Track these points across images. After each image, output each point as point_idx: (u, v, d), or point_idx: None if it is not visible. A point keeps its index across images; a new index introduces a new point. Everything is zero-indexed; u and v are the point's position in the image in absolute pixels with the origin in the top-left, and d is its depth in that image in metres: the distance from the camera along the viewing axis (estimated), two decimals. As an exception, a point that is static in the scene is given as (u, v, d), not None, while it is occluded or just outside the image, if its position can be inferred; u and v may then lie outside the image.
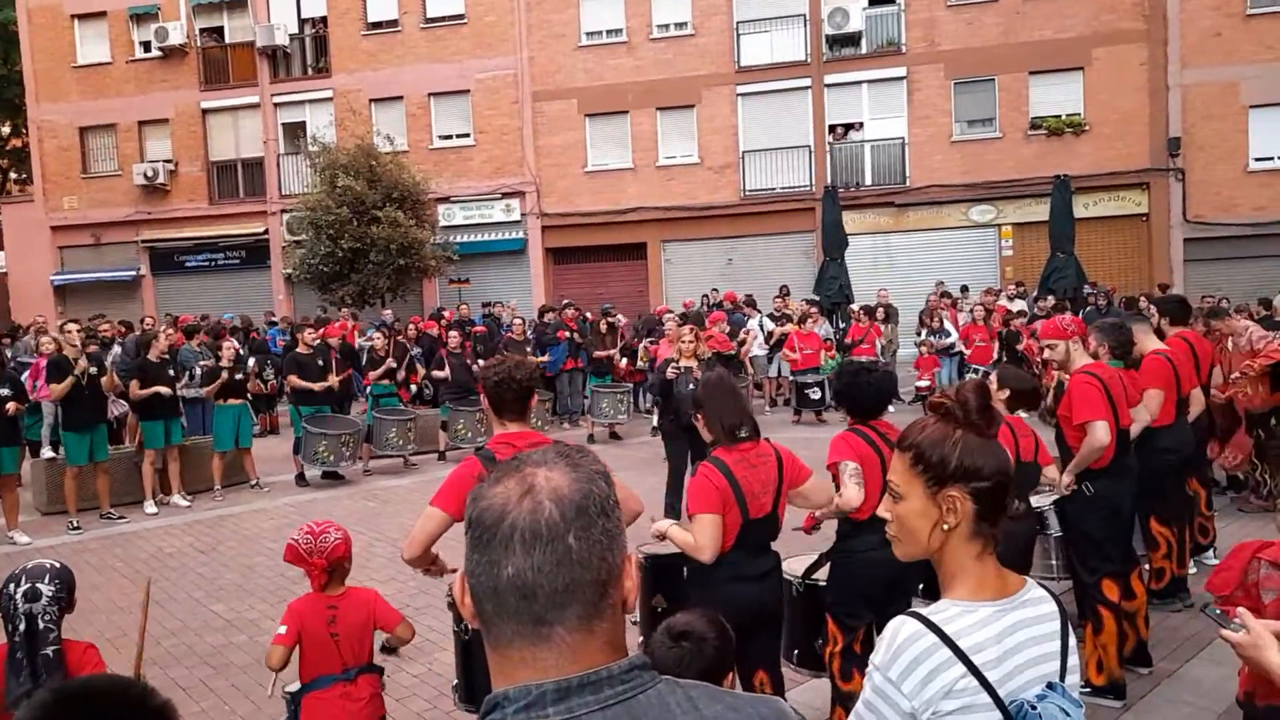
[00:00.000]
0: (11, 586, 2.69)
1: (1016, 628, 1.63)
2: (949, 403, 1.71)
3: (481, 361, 12.39)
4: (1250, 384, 7.47)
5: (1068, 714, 1.57)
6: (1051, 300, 13.56)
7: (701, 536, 3.30)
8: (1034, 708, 1.57)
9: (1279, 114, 19.09)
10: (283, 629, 3.22)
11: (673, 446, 8.21)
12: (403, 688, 5.12)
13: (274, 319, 18.87)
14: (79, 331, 9.30)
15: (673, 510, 7.27)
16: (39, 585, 2.68)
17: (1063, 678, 1.65)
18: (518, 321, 13.89)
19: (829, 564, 4.01)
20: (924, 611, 1.65)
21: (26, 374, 10.09)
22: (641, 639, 3.37)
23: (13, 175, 32.50)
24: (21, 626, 2.64)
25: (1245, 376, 7.47)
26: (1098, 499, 4.62)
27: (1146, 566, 5.48)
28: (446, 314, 17.54)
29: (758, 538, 3.46)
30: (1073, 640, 1.70)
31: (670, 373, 7.80)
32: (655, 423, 12.55)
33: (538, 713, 0.94)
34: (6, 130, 31.76)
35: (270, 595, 6.68)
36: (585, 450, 1.07)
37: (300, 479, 10.74)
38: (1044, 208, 17.31)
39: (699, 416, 3.59)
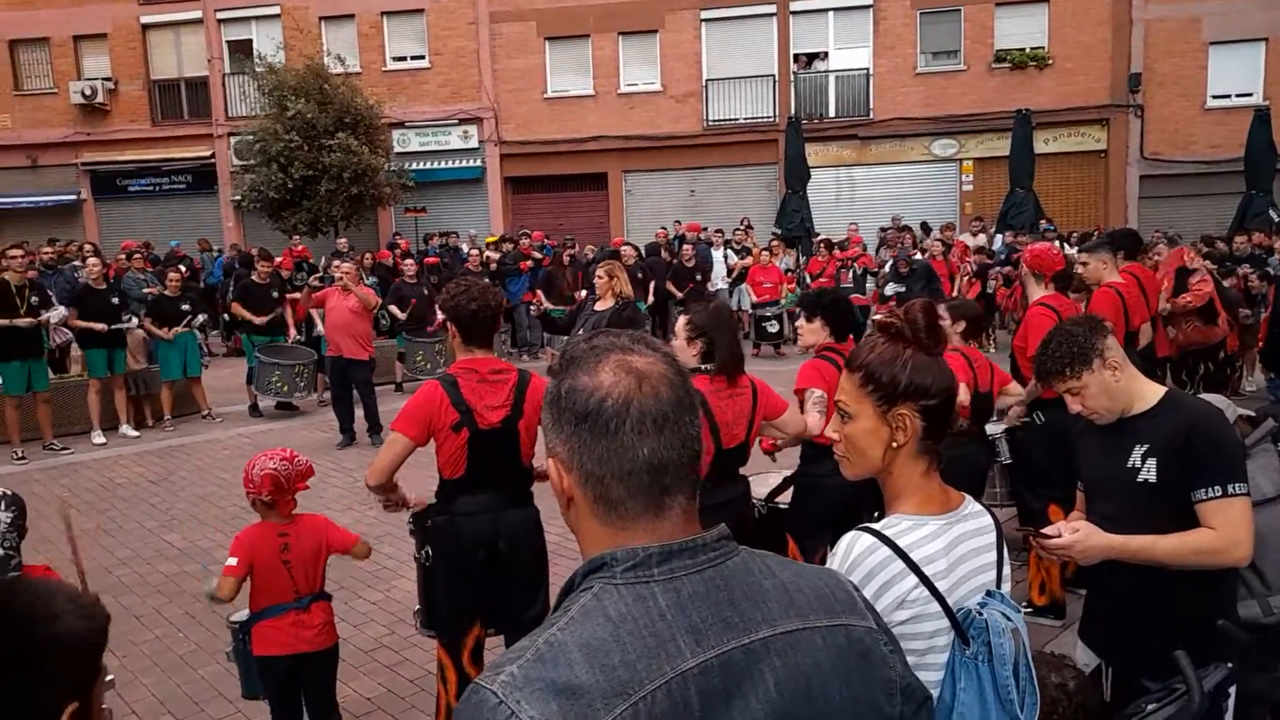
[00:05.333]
0: None
1: (961, 540, 1.70)
2: (897, 322, 1.72)
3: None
4: (1177, 321, 7.68)
5: (1009, 618, 1.64)
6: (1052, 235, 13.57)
7: None
8: (979, 614, 1.64)
9: (1238, 51, 19.20)
10: (232, 560, 3.15)
11: None
12: (360, 614, 5.13)
13: (210, 247, 18.25)
14: (23, 258, 8.95)
15: None
16: None
17: (999, 585, 1.72)
18: (474, 252, 13.65)
19: (792, 487, 4.06)
20: (876, 526, 1.68)
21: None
22: None
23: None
24: None
25: (1174, 313, 7.65)
26: (1047, 427, 4.74)
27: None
28: (401, 243, 17.20)
29: (729, 466, 3.48)
30: (1006, 550, 1.76)
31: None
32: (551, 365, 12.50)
33: (644, 572, 1.02)
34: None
35: (225, 525, 6.61)
36: (645, 336, 1.14)
37: (254, 409, 10.58)
38: (1005, 143, 17.32)
39: (695, 343, 3.50)
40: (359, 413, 9.10)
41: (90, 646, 1.12)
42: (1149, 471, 2.33)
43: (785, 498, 4.09)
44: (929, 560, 1.63)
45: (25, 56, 23.20)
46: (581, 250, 15.26)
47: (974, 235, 13.93)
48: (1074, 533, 2.32)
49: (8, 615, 1.08)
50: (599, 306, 6.41)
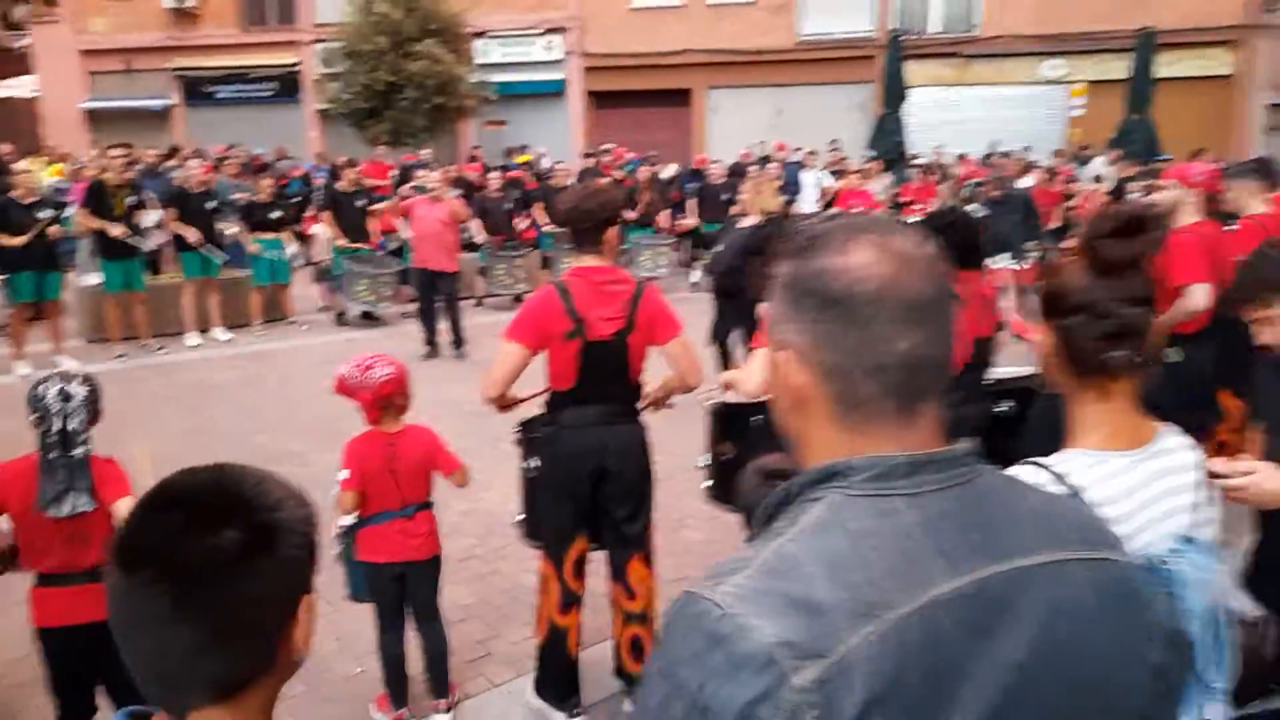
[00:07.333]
0: (42, 389, 2.67)
1: (1151, 479, 1.54)
2: (1080, 228, 1.65)
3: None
4: None
5: (1201, 569, 1.50)
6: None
7: (750, 368, 3.18)
8: (1164, 563, 1.48)
9: (1396, -34, 17.45)
10: (345, 473, 3.13)
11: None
12: (448, 524, 5.09)
13: (287, 155, 18.17)
14: (123, 158, 9.08)
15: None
16: (69, 388, 2.68)
17: (1194, 530, 1.57)
18: (562, 166, 13.40)
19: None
20: (1045, 461, 1.53)
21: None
22: (708, 483, 3.29)
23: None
24: (56, 426, 2.64)
25: None
26: (1179, 365, 4.40)
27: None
28: (477, 155, 17.04)
29: None
30: (1207, 492, 1.60)
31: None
32: (694, 278, 12.30)
33: (888, 484, 0.90)
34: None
35: (314, 429, 6.67)
36: (898, 219, 1.02)
37: (340, 318, 10.69)
38: (1121, 65, 16.15)
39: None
40: (442, 325, 9.09)
41: (312, 533, 1.08)
42: None
43: None
44: (1108, 502, 1.46)
45: (120, -40, 23.36)
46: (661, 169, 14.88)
47: (1111, 163, 12.73)
48: (1249, 473, 2.11)
49: (243, 502, 1.01)
50: (743, 224, 6.23)
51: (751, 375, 3.13)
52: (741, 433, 3.25)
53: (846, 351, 0.93)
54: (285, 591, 1.02)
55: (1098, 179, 12.19)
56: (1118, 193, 10.44)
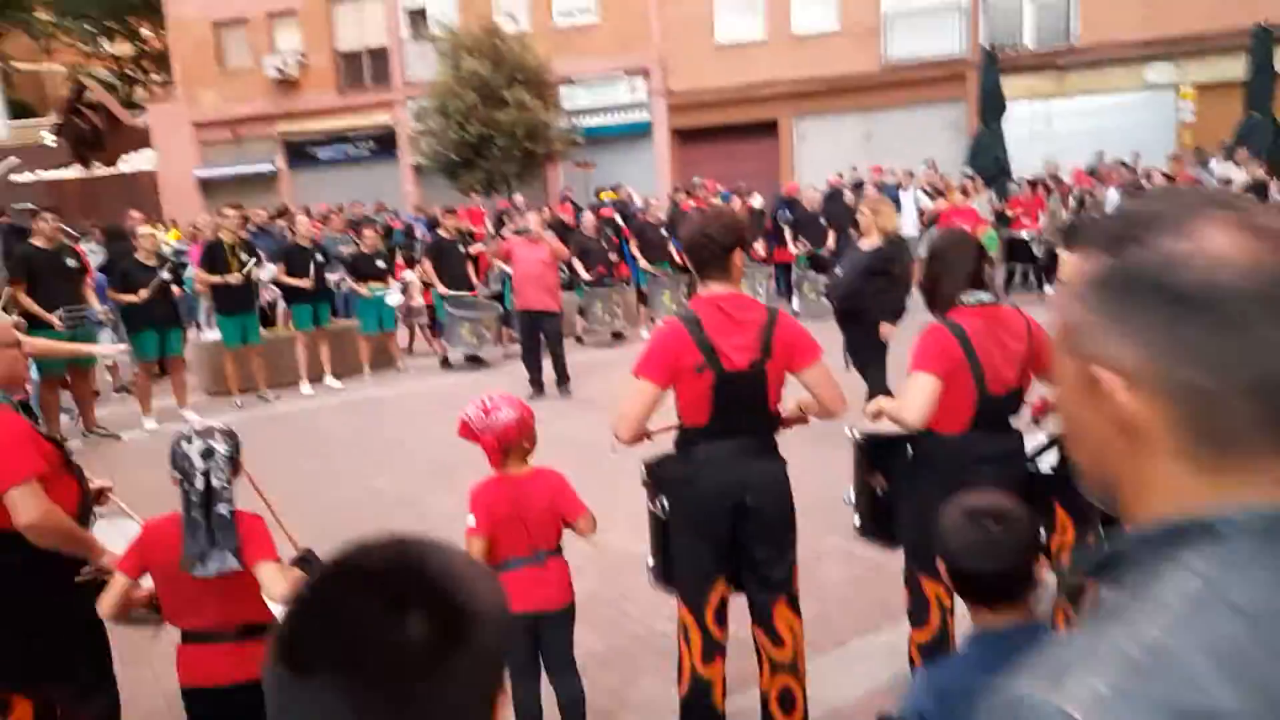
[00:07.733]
0: (184, 444, 2.60)
1: None
2: None
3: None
4: None
5: None
6: None
7: (908, 396, 2.96)
8: None
9: None
10: (472, 520, 3.02)
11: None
12: (571, 567, 5.00)
13: (386, 208, 18.68)
14: (237, 217, 9.49)
15: None
16: (212, 443, 2.61)
17: None
18: (654, 203, 13.41)
19: (1058, 447, 3.56)
20: None
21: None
22: (859, 523, 3.07)
23: (156, 78, 33.59)
24: (200, 484, 2.56)
25: None
26: None
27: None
28: (567, 196, 17.25)
29: (998, 415, 3.04)
30: None
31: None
32: (795, 307, 12.04)
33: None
34: (148, 33, 32.74)
35: (432, 472, 6.69)
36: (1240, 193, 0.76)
37: (445, 362, 10.84)
38: (1233, 65, 15.31)
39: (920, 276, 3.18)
40: (546, 364, 9.09)
41: (507, 619, 0.92)
42: None
43: (1050, 459, 3.59)
44: None
45: (227, 36, 24.83)
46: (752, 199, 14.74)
47: (1240, 164, 11.85)
48: None
49: (431, 583, 0.84)
50: (863, 245, 6.07)
51: (910, 405, 2.92)
52: (892, 466, 3.03)
53: (1208, 365, 0.72)
54: (481, 689, 0.86)
55: (1228, 182, 11.45)
56: (1259, 193, 9.77)
